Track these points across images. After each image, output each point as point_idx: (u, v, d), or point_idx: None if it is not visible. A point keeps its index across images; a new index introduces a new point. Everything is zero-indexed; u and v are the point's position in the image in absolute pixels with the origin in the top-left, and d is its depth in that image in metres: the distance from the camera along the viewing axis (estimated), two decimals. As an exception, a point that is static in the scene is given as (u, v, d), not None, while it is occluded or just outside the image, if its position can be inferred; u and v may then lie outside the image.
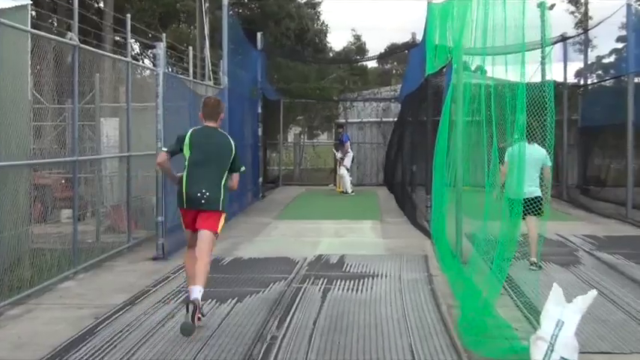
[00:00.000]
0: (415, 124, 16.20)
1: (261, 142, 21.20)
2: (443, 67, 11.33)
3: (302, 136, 30.49)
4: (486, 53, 9.30)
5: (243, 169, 7.11)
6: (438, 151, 10.26)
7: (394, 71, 51.59)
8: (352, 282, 8.85)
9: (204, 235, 6.75)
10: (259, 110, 20.63)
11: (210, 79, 16.80)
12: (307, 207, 18.48)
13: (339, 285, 8.70)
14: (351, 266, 9.92)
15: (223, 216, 6.88)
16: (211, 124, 6.97)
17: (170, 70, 12.79)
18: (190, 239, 6.96)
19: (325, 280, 8.93)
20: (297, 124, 31.29)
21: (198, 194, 6.70)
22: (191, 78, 14.16)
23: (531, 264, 9.32)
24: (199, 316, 6.51)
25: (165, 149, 7.13)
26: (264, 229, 13.77)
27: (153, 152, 11.06)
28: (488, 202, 7.68)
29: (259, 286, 8.59)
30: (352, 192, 21.57)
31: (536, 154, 9.07)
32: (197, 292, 6.42)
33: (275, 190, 23.58)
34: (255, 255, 10.81)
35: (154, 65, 11.59)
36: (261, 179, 20.59)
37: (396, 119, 24.26)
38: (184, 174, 6.79)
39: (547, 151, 8.15)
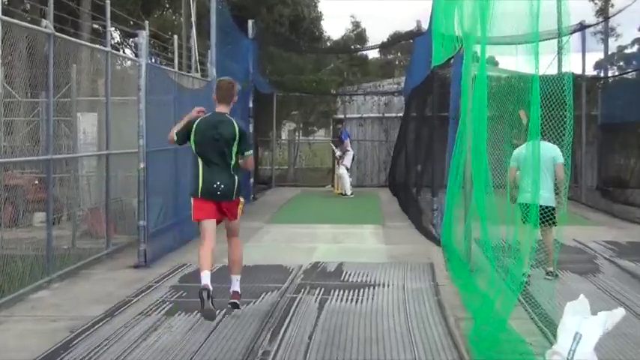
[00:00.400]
0: (420, 120, 16.21)
1: (253, 139, 21.17)
2: (450, 58, 11.33)
3: (297, 133, 30.47)
4: (498, 43, 9.31)
5: (248, 152, 7.63)
6: (456, 149, 10.20)
7: (397, 62, 51.58)
8: (351, 292, 8.84)
9: (235, 226, 7.76)
10: (250, 105, 20.63)
11: (197, 71, 16.78)
12: (302, 210, 18.47)
13: (337, 295, 8.69)
14: (350, 275, 9.92)
15: (241, 201, 7.66)
16: (223, 108, 7.55)
17: (153, 60, 12.78)
18: (207, 230, 7.43)
19: (322, 290, 8.92)
20: (291, 120, 31.25)
21: (214, 186, 7.36)
22: (176, 69, 14.12)
23: (547, 273, 9.24)
24: (235, 302, 7.66)
25: (176, 131, 7.61)
26: (254, 234, 13.76)
27: (134, 150, 11.05)
28: (494, 205, 7.67)
29: (250, 296, 8.57)
30: (351, 194, 21.56)
31: (547, 153, 8.50)
32: (236, 283, 7.74)
33: (267, 191, 23.58)
34: (245, 262, 10.74)
35: (136, 55, 11.58)
36: (252, 180, 20.57)
37: (400, 115, 24.31)
38: (199, 166, 7.42)
39: (562, 148, 7.94)
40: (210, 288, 6.97)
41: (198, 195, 7.43)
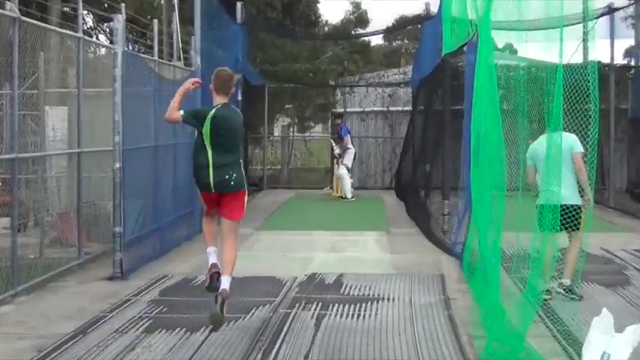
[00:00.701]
0: (429, 114, 16.23)
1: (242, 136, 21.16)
2: (463, 46, 11.35)
3: (291, 129, 30.47)
4: (516, 28, 9.33)
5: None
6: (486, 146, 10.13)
7: (404, 50, 51.63)
8: (352, 307, 8.85)
9: (232, 226, 7.80)
10: (239, 97, 20.61)
11: (179, 59, 16.78)
12: (297, 215, 18.49)
13: (336, 311, 8.70)
14: (350, 288, 9.93)
15: (246, 195, 7.89)
16: (222, 99, 7.76)
17: (130, 48, 12.76)
18: (208, 210, 7.93)
19: (319, 305, 8.93)
20: (285, 114, 31.25)
21: (226, 177, 7.61)
22: (156, 58, 14.12)
23: (560, 286, 8.91)
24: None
25: (182, 113, 7.70)
26: (244, 242, 13.74)
27: (109, 148, 11.05)
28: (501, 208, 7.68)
29: (239, 311, 8.57)
30: (352, 197, 21.56)
31: (563, 144, 8.05)
32: (226, 282, 7.48)
33: (258, 194, 23.58)
34: (233, 273, 10.77)
35: (111, 42, 11.58)
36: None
37: (407, 108, 24.31)
38: (208, 157, 7.60)
39: (587, 145, 7.83)
40: (227, 296, 7.41)
41: (211, 189, 7.67)
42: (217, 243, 7.86)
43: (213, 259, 7.70)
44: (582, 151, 8.44)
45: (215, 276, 7.57)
